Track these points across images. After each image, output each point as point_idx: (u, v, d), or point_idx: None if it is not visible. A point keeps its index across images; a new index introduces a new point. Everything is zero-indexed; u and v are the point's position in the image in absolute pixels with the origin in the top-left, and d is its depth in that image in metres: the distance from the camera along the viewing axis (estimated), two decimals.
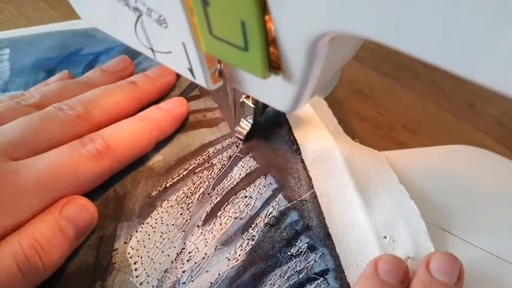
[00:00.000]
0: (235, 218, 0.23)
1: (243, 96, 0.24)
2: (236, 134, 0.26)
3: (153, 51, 0.19)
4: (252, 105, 0.24)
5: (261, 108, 0.26)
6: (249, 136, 0.26)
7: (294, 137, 0.27)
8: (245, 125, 0.26)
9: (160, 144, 0.26)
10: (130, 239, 0.23)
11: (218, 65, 0.19)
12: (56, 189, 0.22)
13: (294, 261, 0.22)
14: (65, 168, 0.22)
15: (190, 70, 0.18)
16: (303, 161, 0.25)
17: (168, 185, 0.25)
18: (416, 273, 0.20)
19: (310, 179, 0.24)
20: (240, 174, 0.25)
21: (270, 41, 0.15)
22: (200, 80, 0.18)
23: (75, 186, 0.23)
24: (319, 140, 0.27)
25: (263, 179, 0.25)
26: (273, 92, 0.18)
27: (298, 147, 0.26)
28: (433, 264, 0.19)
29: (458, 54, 0.10)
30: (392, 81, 0.35)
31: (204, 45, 0.16)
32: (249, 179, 0.25)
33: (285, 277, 0.21)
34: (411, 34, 0.10)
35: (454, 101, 0.33)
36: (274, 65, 0.16)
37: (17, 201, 0.21)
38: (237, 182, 0.25)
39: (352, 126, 0.32)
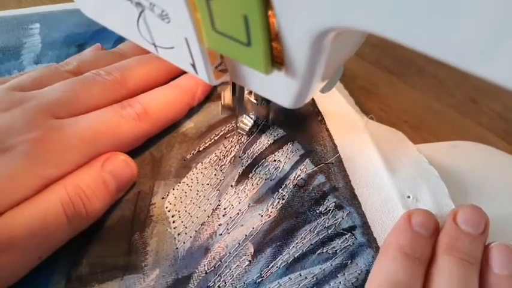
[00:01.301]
0: (265, 179, 0.25)
1: (246, 92, 0.25)
2: (238, 130, 0.27)
3: (155, 46, 0.19)
4: (255, 101, 0.25)
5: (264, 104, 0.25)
6: (252, 132, 0.27)
7: (318, 109, 0.28)
8: (247, 121, 0.27)
9: (191, 112, 0.28)
10: (167, 195, 0.24)
11: (220, 60, 0.18)
12: (98, 147, 0.23)
13: (323, 218, 0.23)
14: (107, 127, 0.23)
15: (193, 65, 0.18)
16: (327, 130, 0.27)
17: (201, 149, 0.26)
18: (444, 226, 0.21)
19: (336, 146, 0.26)
20: (269, 141, 0.26)
21: (273, 36, 0.14)
22: (203, 75, 0.18)
23: (116, 146, 0.24)
24: (342, 112, 0.28)
25: (290, 145, 0.26)
26: (275, 88, 0.18)
27: (323, 118, 0.27)
28: (460, 216, 0.21)
29: (461, 49, 0.10)
30: (394, 77, 0.35)
31: (206, 41, 0.16)
32: (277, 144, 0.26)
33: (315, 232, 0.23)
34: (414, 28, 0.10)
35: (457, 97, 0.34)
36: (277, 60, 0.16)
37: (62, 155, 0.22)
38: (265, 147, 0.26)
39: None
